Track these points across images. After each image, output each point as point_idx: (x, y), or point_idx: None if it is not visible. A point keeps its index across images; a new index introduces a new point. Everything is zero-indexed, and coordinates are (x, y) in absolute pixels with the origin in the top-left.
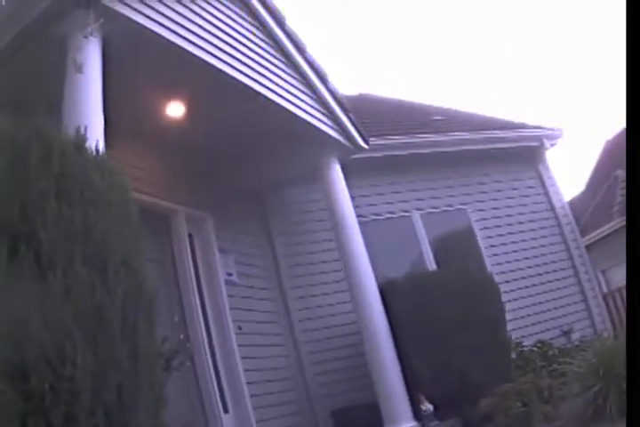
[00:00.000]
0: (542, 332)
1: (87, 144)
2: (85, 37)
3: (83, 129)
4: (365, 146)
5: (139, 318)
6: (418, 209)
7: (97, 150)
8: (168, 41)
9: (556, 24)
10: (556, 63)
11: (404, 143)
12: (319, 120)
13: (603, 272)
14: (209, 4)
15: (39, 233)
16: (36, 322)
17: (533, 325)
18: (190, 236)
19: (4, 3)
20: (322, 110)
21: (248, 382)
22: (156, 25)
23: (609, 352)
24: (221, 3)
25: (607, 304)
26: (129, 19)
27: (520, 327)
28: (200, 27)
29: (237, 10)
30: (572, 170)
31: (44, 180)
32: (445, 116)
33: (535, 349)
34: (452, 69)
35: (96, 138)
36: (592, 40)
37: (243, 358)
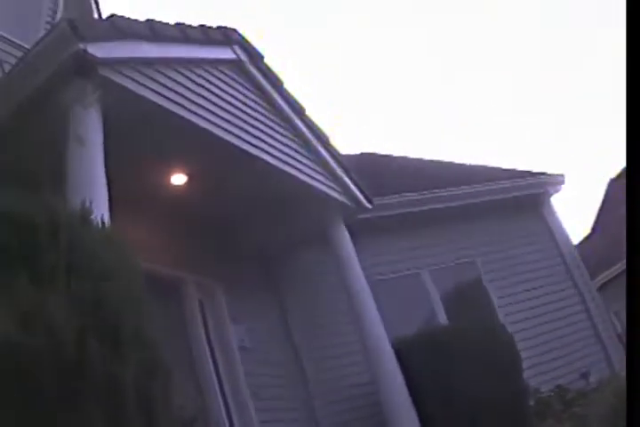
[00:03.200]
0: (560, 377)
1: (93, 216)
2: (85, 108)
3: (88, 202)
4: (369, 206)
5: (154, 387)
6: (426, 265)
7: (103, 222)
8: (167, 110)
9: (550, 66)
10: (556, 103)
11: (408, 201)
12: (322, 183)
13: (616, 313)
14: (206, 71)
15: (50, 306)
16: (50, 394)
17: (551, 371)
18: (201, 303)
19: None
20: (323, 173)
21: None
22: (154, 94)
23: None
24: (218, 70)
25: (623, 344)
26: (127, 89)
27: (537, 374)
28: (199, 95)
29: (234, 75)
30: (578, 211)
31: (52, 253)
32: (447, 170)
33: (553, 394)
34: (449, 121)
35: (101, 210)
36: (589, 79)
37: (261, 422)
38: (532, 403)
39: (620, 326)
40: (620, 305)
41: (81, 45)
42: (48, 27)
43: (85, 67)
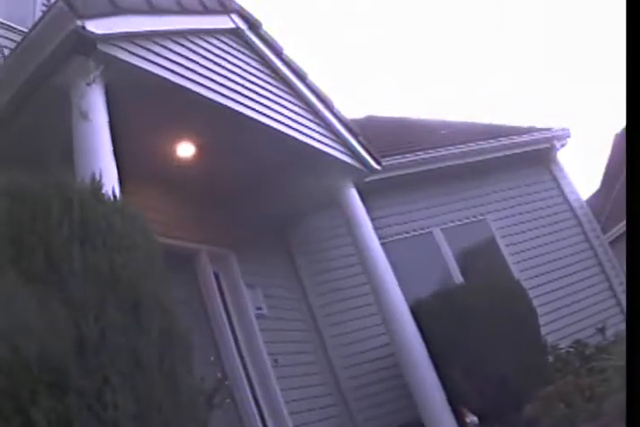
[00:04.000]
0: (577, 332)
1: (104, 190)
2: (88, 85)
3: (97, 176)
4: (378, 167)
5: (175, 356)
6: (438, 224)
7: (114, 196)
8: (170, 82)
9: (555, 22)
10: (557, 61)
11: (416, 160)
12: (329, 146)
13: None
14: (206, 41)
15: (67, 280)
16: (75, 369)
17: (567, 326)
18: (216, 274)
19: (1, 61)
20: (331, 136)
21: (291, 413)
22: (156, 67)
23: None
24: (218, 39)
25: None
26: (128, 63)
27: (554, 330)
28: (200, 65)
29: (234, 44)
30: (586, 168)
31: (66, 228)
32: (453, 129)
33: (572, 349)
34: (453, 79)
35: (111, 183)
36: (590, 37)
37: (282, 390)
38: (551, 359)
39: None
40: None
41: (79, 23)
42: (45, 9)
43: (85, 44)
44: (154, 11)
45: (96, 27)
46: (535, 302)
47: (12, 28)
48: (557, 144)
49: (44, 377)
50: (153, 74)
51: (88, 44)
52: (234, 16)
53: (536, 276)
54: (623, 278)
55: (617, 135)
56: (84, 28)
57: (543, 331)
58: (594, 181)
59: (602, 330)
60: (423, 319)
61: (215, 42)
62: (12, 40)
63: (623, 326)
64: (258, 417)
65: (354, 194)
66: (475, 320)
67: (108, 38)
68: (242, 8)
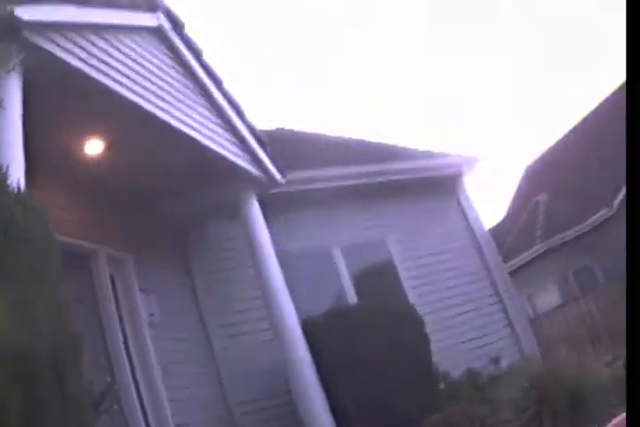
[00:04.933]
0: (471, 361)
1: (9, 181)
2: (7, 72)
3: (4, 167)
4: (282, 181)
5: (66, 359)
6: (337, 242)
7: (19, 188)
8: (87, 76)
9: (472, 50)
10: (470, 92)
11: (321, 177)
12: (235, 154)
13: (528, 298)
14: (129, 37)
15: None
16: None
17: (461, 354)
18: (112, 276)
19: None
20: (239, 144)
21: (177, 425)
22: (77, 60)
23: (540, 376)
24: (140, 36)
25: (534, 329)
26: (50, 53)
27: (447, 358)
28: (120, 62)
29: (156, 43)
30: (492, 198)
31: None
32: (362, 148)
33: (464, 378)
34: (368, 101)
35: (17, 175)
36: (509, 65)
37: (170, 400)
38: (442, 386)
39: (532, 310)
40: (532, 290)
41: (8, 8)
42: None
43: (11, 29)
44: (83, 2)
45: (24, 12)
46: (430, 328)
47: None
48: (465, 170)
49: None
50: (72, 66)
51: (14, 29)
52: (160, 15)
53: (432, 301)
54: (520, 309)
55: (527, 167)
56: (12, 12)
57: (436, 357)
58: (499, 211)
59: (496, 360)
60: (315, 338)
61: (138, 39)
62: None
63: (518, 357)
64: (144, 425)
65: (255, 205)
66: (366, 343)
67: (35, 25)
68: (169, 8)
